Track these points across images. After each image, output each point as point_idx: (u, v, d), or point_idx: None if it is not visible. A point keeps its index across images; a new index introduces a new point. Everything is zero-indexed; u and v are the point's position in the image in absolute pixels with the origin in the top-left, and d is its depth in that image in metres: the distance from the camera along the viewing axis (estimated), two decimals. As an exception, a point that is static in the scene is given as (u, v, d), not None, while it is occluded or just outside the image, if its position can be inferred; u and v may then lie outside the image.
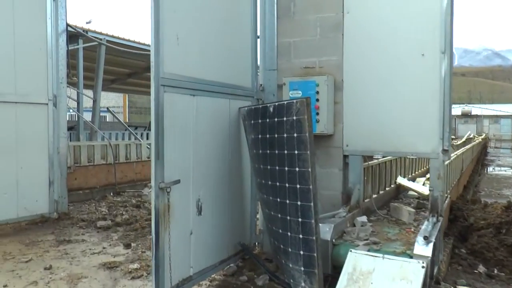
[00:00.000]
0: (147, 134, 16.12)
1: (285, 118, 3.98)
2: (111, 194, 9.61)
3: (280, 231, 4.15)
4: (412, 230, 4.59)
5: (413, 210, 5.10)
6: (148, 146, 11.02)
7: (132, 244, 5.82)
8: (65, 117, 7.54)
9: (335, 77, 4.88)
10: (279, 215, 4.14)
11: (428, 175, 8.74)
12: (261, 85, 5.20)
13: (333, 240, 4.12)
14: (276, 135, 4.07)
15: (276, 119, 4.08)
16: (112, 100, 34.21)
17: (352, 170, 4.92)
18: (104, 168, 9.75)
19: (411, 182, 7.02)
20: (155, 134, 3.48)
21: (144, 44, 14.16)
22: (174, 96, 3.70)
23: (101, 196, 9.37)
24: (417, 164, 8.55)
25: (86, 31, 12.27)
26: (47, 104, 7.14)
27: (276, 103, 4.11)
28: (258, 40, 5.17)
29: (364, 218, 4.70)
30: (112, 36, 13.39)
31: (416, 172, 8.35)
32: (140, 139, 11.32)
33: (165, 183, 3.58)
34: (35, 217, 7.06)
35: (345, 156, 4.92)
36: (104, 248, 5.74)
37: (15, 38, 6.64)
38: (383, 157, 5.71)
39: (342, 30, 4.86)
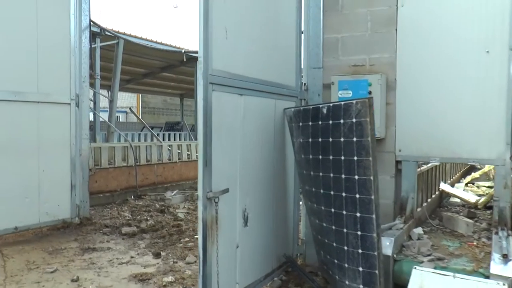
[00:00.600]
0: (163, 135, 15.81)
1: (342, 121, 3.59)
2: (132, 197, 9.29)
3: (334, 244, 3.76)
4: (475, 244, 4.17)
5: (471, 221, 4.68)
6: (169, 148, 10.70)
7: (162, 253, 5.46)
8: (88, 117, 7.22)
9: (387, 76, 4.49)
10: (333, 227, 3.75)
11: (465, 180, 8.31)
12: (304, 84, 4.82)
13: (394, 256, 3.72)
14: (330, 139, 3.69)
15: (330, 122, 3.69)
16: (125, 100, 34.00)
17: (405, 177, 4.51)
18: (125, 170, 9.42)
19: (455, 188, 6.59)
20: (203, 138, 3.11)
21: (161, 43, 13.84)
22: (222, 96, 3.33)
23: (122, 199, 9.05)
24: (455, 169, 8.11)
25: (104, 29, 11.97)
26: (69, 104, 6.82)
27: (331, 104, 3.72)
28: (302, 35, 4.79)
29: (420, 230, 4.30)
30: (130, 35, 13.10)
31: (454, 177, 7.91)
32: (161, 141, 10.95)
33: (213, 193, 3.21)
34: (57, 222, 6.74)
35: (398, 162, 4.53)
36: (132, 257, 5.39)
37: (38, 34, 6.33)
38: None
39: (395, 25, 4.47)
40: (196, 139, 14.75)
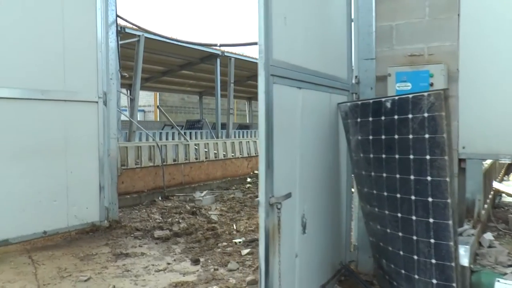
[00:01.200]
0: (184, 133, 15.51)
1: (410, 116, 3.22)
2: (160, 198, 9.01)
3: (401, 253, 3.40)
4: (554, 250, 3.77)
5: (543, 224, 4.27)
6: (196, 147, 10.40)
7: (201, 259, 5.15)
8: (115, 116, 6.93)
9: (448, 66, 4.09)
10: (400, 234, 3.39)
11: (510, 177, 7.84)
12: (356, 77, 4.44)
13: (471, 266, 3.34)
14: (396, 136, 3.32)
15: (396, 117, 3.32)
16: (142, 98, 33.88)
17: (470, 177, 4.13)
18: (152, 170, 9.14)
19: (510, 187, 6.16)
20: (265, 137, 2.76)
21: (180, 41, 13.51)
22: (283, 89, 2.99)
23: (149, 200, 8.78)
24: (500, 166, 7.66)
25: (124, 27, 11.71)
26: (97, 102, 6.54)
27: (396, 97, 3.34)
28: (352, 24, 4.41)
29: (490, 236, 3.91)
30: (150, 32, 12.83)
31: (500, 175, 7.46)
32: (188, 139, 10.65)
33: (275, 198, 2.87)
34: (85, 225, 6.47)
35: (461, 160, 4.12)
36: (168, 263, 5.08)
37: (64, 30, 6.05)
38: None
39: (457, 10, 4.06)
40: (217, 137, 14.47)
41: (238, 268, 4.84)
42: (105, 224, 6.68)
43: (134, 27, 11.39)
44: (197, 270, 4.82)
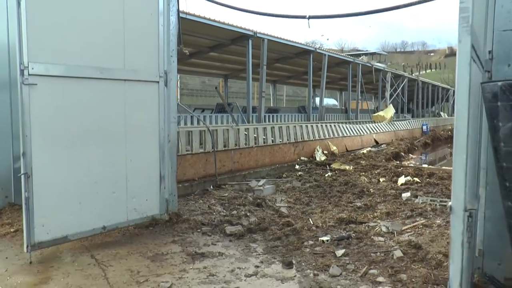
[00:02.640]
0: (215, 117, 14.73)
1: None
2: (211, 187, 8.35)
3: None
4: None
5: None
6: (246, 132, 9.68)
7: (293, 261, 4.45)
8: (175, 98, 6.22)
9: None
10: None
11: None
12: (489, 52, 3.62)
13: None
14: None
15: None
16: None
17: None
18: (202, 157, 8.47)
19: None
20: (466, 125, 2.00)
21: (214, 21, 12.67)
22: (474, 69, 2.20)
23: (201, 189, 8.12)
24: None
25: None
26: (158, 82, 5.84)
27: None
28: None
29: None
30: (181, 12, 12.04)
31: None
32: (237, 123, 9.94)
33: (470, 204, 2.12)
34: (145, 219, 5.83)
35: None
36: (256, 266, 4.40)
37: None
38: None
39: None
40: (248, 121, 13.68)
41: (341, 274, 4.14)
42: (165, 217, 6.04)
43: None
44: (294, 276, 4.13)
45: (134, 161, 5.63)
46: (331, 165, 11.00)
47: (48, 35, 4.71)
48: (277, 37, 15.30)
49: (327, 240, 5.23)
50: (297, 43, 17.00)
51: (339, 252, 4.80)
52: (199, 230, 5.69)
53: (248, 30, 13.81)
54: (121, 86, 5.41)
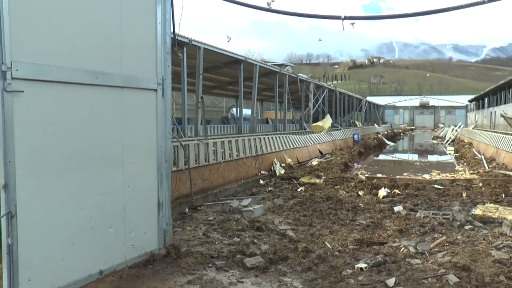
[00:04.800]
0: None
1: None
2: (187, 209, 7.38)
3: None
4: None
5: None
6: (214, 147, 8.82)
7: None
8: (171, 110, 5.26)
9: None
10: None
11: None
12: None
13: None
14: None
15: None
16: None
17: None
18: (174, 176, 7.44)
19: None
20: None
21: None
22: None
23: (178, 213, 7.11)
24: None
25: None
26: (155, 90, 4.88)
27: None
28: None
29: None
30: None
31: None
32: (207, 137, 9.01)
33: None
34: (144, 256, 4.80)
35: None
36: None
37: (121, -8, 4.36)
38: None
39: None
40: (184, 134, 12.61)
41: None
42: (163, 251, 5.05)
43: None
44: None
45: (132, 187, 4.61)
46: (299, 179, 10.52)
47: (36, 27, 3.62)
48: (212, 46, 14.43)
49: (365, 267, 4.67)
50: (230, 52, 16.34)
51: (390, 282, 4.26)
52: (211, 265, 4.79)
53: (183, 37, 12.84)
54: (118, 95, 4.39)
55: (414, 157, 25.61)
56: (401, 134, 49.17)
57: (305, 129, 26.86)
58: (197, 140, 8.65)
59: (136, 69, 4.60)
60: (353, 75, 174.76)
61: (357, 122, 45.90)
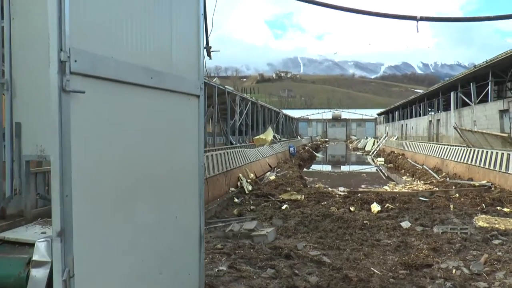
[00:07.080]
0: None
1: None
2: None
3: None
4: None
5: None
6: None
7: None
8: (204, 120, 4.34)
9: None
10: None
11: None
12: None
13: None
14: None
15: None
16: None
17: None
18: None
19: None
20: None
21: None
22: None
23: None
24: None
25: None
26: (198, 96, 3.95)
27: None
28: None
29: None
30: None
31: None
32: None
33: None
34: (187, 304, 3.82)
35: None
36: None
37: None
38: None
39: None
40: None
41: None
42: (202, 294, 4.09)
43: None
44: None
45: (179, 218, 3.64)
46: (279, 196, 9.85)
47: (98, 8, 2.59)
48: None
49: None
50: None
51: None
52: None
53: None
54: (166, 100, 3.45)
55: (353, 168, 26.18)
56: (321, 146, 50.78)
57: (231, 143, 26.35)
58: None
59: (183, 70, 3.67)
60: (262, 89, 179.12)
61: (276, 135, 46.51)
